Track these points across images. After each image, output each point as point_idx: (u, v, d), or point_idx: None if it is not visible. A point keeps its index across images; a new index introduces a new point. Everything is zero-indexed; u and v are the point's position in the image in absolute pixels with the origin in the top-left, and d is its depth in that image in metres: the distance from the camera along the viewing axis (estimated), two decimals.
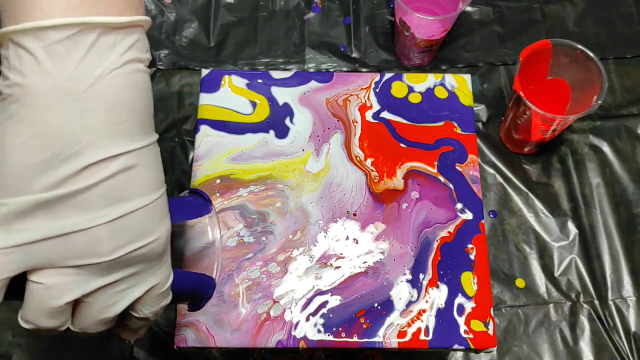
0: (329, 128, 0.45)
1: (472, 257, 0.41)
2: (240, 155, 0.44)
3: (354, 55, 0.61)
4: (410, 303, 0.40)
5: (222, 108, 0.46)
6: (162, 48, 0.60)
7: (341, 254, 0.41)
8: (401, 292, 0.40)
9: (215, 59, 0.60)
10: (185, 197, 0.33)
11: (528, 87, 0.52)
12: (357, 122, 0.45)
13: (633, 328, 0.49)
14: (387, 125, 0.46)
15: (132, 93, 0.25)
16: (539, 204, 0.54)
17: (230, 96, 0.46)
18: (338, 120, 0.46)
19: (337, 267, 0.41)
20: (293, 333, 0.39)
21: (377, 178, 0.44)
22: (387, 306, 0.40)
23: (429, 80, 0.47)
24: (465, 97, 0.47)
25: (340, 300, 0.40)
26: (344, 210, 0.42)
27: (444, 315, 0.40)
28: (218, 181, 0.43)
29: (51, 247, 0.24)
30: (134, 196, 0.25)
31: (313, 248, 0.41)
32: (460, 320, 0.40)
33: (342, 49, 0.61)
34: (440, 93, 0.47)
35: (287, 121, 0.45)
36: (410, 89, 0.47)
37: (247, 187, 0.43)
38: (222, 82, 0.47)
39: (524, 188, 0.54)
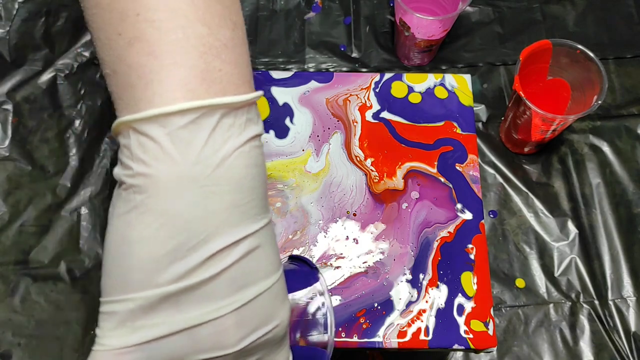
0: (328, 128, 0.45)
1: (472, 257, 0.41)
2: None
3: (354, 55, 0.61)
4: (410, 303, 0.40)
5: None
6: None
7: (341, 253, 0.41)
8: (401, 292, 0.40)
9: None
10: (291, 267, 0.31)
11: (528, 87, 0.52)
12: (357, 122, 0.45)
13: (633, 328, 0.49)
14: (387, 125, 0.46)
15: (254, 172, 0.24)
16: (539, 204, 0.54)
17: None
18: (338, 121, 0.45)
19: (337, 267, 0.41)
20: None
21: (377, 178, 0.44)
22: (387, 306, 0.40)
23: (429, 80, 0.47)
24: (465, 97, 0.47)
25: (340, 300, 0.40)
26: (344, 210, 0.42)
27: (444, 315, 0.40)
28: None
29: (177, 343, 0.23)
30: (257, 280, 0.24)
31: (313, 248, 0.41)
32: (460, 320, 0.40)
33: (342, 49, 0.61)
34: (440, 93, 0.47)
35: (287, 121, 0.45)
36: (410, 89, 0.47)
37: None
38: None
39: (524, 188, 0.54)
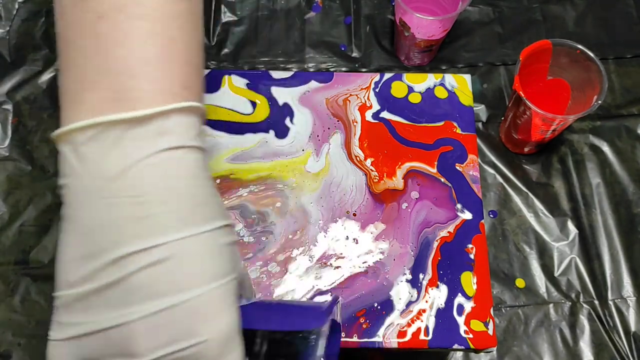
0: (328, 128, 0.45)
1: (472, 257, 0.41)
2: (240, 155, 0.44)
3: (354, 55, 0.61)
4: (410, 303, 0.40)
5: (222, 108, 0.46)
6: None
7: (341, 253, 0.41)
8: (401, 292, 0.40)
9: (215, 58, 0.60)
10: (310, 304, 0.28)
11: (528, 87, 0.52)
12: (357, 122, 0.45)
13: (633, 328, 0.49)
14: (387, 125, 0.46)
15: (170, 183, 0.25)
16: (539, 204, 0.54)
17: (230, 96, 0.46)
18: (338, 121, 0.45)
19: (337, 267, 0.41)
20: None
21: (377, 178, 0.44)
22: (387, 306, 0.40)
23: (429, 80, 0.47)
24: (465, 97, 0.47)
25: (340, 300, 0.40)
26: (344, 210, 0.42)
27: (444, 315, 0.40)
28: (218, 181, 0.43)
29: (95, 342, 0.24)
30: (169, 292, 0.24)
31: (313, 248, 0.41)
32: (460, 320, 0.40)
33: (343, 49, 0.61)
34: (440, 93, 0.47)
35: (287, 121, 0.45)
36: (410, 89, 0.47)
37: (247, 187, 0.43)
38: (222, 83, 0.46)
39: (524, 188, 0.54)
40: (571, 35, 0.61)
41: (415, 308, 0.40)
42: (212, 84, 0.46)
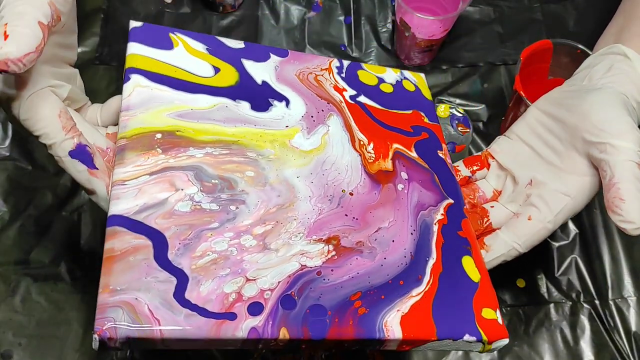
0: (322, 110, 0.44)
1: (468, 240, 0.40)
2: (188, 113, 0.39)
3: (355, 54, 0.61)
4: (412, 287, 0.36)
5: (170, 65, 0.41)
6: None
7: (334, 232, 0.37)
8: (402, 275, 0.36)
9: None
10: None
11: (529, 87, 0.52)
12: (343, 104, 0.45)
13: (633, 328, 0.49)
14: (363, 108, 0.46)
15: None
16: None
17: (187, 58, 0.42)
18: (328, 103, 0.45)
19: (328, 243, 0.36)
20: (272, 319, 0.32)
21: (372, 159, 0.42)
22: (386, 289, 0.35)
23: (389, 72, 0.49)
24: (427, 92, 0.50)
25: (330, 280, 0.34)
26: (339, 189, 0.40)
27: (452, 302, 0.36)
28: (159, 135, 0.37)
29: None
30: None
31: (301, 223, 0.37)
32: (470, 308, 0.36)
33: (343, 48, 0.61)
34: (408, 86, 0.49)
35: (273, 100, 0.43)
36: (381, 80, 0.48)
37: (203, 149, 0.37)
38: (175, 43, 0.42)
39: None
40: (572, 35, 0.60)
41: (417, 292, 0.35)
42: (161, 41, 0.42)
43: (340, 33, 0.62)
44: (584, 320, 0.50)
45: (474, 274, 0.38)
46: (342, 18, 0.62)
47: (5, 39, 0.29)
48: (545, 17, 0.62)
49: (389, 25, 0.62)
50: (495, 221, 0.42)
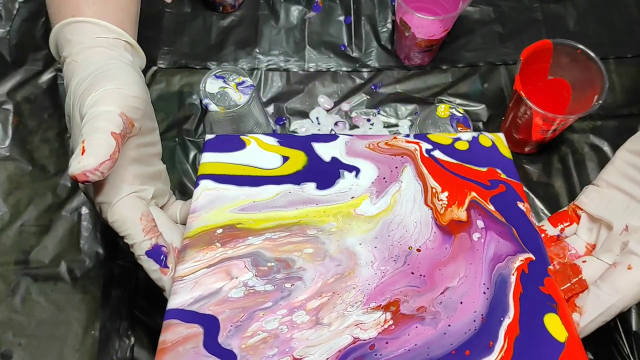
0: (396, 167, 0.42)
1: (552, 297, 0.35)
2: (251, 206, 0.39)
3: (355, 54, 0.61)
4: (479, 358, 0.31)
5: (235, 164, 0.42)
6: (163, 47, 0.60)
7: (395, 294, 0.34)
8: (469, 344, 0.32)
9: (216, 58, 0.60)
10: None
11: (529, 87, 0.52)
12: (417, 152, 0.43)
13: (634, 327, 0.49)
14: (436, 162, 0.43)
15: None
16: (539, 204, 0.54)
17: (256, 152, 0.43)
18: (402, 156, 0.42)
19: (386, 311, 0.34)
20: None
21: (443, 209, 0.39)
22: None
23: (463, 133, 0.46)
24: (505, 150, 0.45)
25: (382, 355, 0.32)
26: (406, 247, 0.37)
27: None
28: (220, 231, 0.38)
29: None
30: None
31: (360, 290, 0.35)
32: None
33: (343, 48, 0.61)
34: (485, 142, 0.45)
35: (343, 171, 0.42)
36: (456, 139, 0.45)
37: (262, 235, 0.37)
38: (247, 142, 0.43)
39: (524, 188, 0.54)
40: (572, 35, 0.61)
41: None
42: (232, 144, 0.43)
43: (340, 33, 0.62)
44: None
45: (559, 333, 0.33)
46: (342, 18, 0.62)
47: (83, 153, 0.33)
48: (545, 17, 0.62)
49: (389, 25, 0.62)
50: (590, 277, 0.38)
